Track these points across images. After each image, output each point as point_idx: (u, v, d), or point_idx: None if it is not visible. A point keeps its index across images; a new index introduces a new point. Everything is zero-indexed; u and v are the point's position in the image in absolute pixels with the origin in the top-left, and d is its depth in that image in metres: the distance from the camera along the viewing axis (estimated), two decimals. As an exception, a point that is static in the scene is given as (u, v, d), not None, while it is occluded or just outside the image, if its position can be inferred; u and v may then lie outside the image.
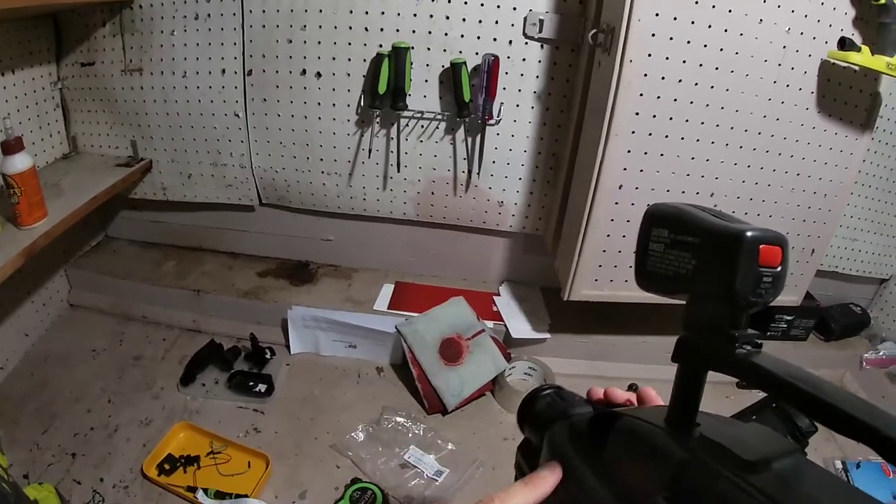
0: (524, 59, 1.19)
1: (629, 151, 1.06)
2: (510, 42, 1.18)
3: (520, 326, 1.30)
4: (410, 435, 1.15)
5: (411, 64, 1.19)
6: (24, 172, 1.01)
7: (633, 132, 1.05)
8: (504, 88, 1.20)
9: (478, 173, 1.28)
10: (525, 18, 1.16)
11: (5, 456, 0.78)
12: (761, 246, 0.30)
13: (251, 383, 1.22)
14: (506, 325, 1.30)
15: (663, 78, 1.03)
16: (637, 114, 1.04)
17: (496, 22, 1.17)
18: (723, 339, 0.30)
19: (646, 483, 0.30)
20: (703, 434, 0.32)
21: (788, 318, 1.42)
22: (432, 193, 1.34)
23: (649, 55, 1.00)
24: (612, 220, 1.10)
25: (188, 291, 1.40)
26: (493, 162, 1.28)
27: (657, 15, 0.98)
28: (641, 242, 0.30)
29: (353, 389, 1.26)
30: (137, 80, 1.31)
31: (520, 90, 1.21)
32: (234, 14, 1.21)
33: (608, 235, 1.10)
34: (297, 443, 1.12)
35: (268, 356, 1.29)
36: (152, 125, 1.36)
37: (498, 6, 1.16)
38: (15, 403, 1.16)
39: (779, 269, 0.31)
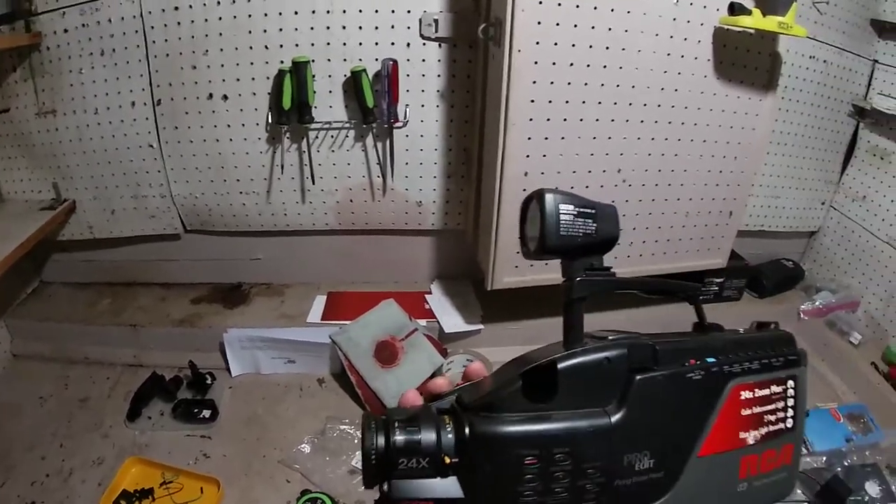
0: (424, 60, 1.21)
1: (529, 138, 1.08)
2: (408, 45, 1.19)
3: (452, 321, 1.33)
4: (356, 441, 1.16)
5: (313, 77, 1.20)
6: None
7: (531, 119, 1.07)
8: (407, 91, 1.21)
9: (392, 176, 1.29)
10: (420, 20, 1.18)
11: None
12: None
13: (195, 410, 1.23)
14: (438, 322, 1.32)
15: (554, 63, 1.05)
16: (532, 101, 1.06)
17: (392, 26, 1.18)
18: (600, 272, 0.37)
19: None
20: None
21: (718, 280, 1.46)
22: (351, 201, 1.35)
23: (537, 43, 1.02)
24: (522, 207, 1.11)
25: (125, 327, 1.40)
26: (406, 163, 1.29)
27: (541, 3, 1.00)
28: (550, 216, 0.35)
29: (296, 404, 1.27)
30: (52, 121, 1.30)
31: (423, 91, 1.23)
32: (138, 46, 1.21)
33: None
34: (246, 463, 1.13)
35: (209, 381, 1.29)
36: (71, 165, 1.35)
37: (392, 11, 1.17)
38: (-29, 460, 1.15)
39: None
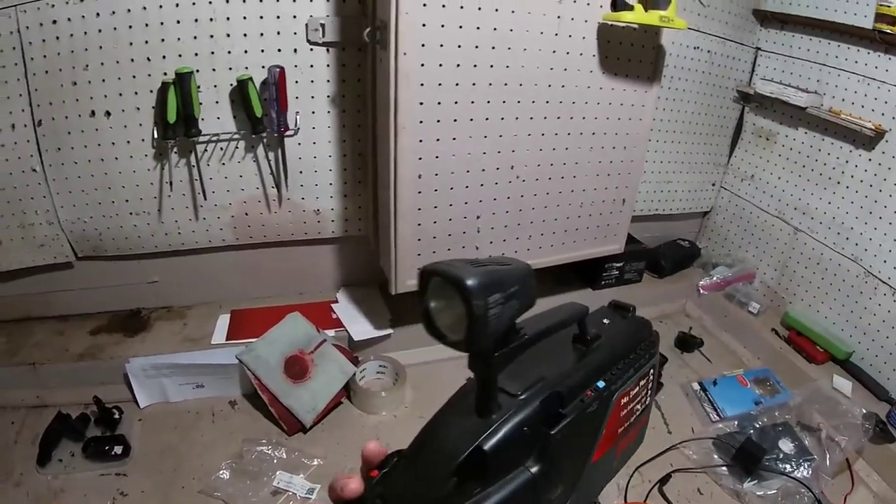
0: (312, 66, 1.18)
1: (421, 141, 1.08)
2: (295, 50, 1.16)
3: (360, 328, 1.32)
4: (276, 460, 1.14)
5: (198, 88, 1.15)
6: None
7: (421, 122, 1.07)
8: (297, 98, 1.18)
9: (286, 186, 1.26)
10: (306, 25, 1.15)
11: None
12: None
13: (106, 448, 1.18)
14: (347, 330, 1.31)
15: (441, 65, 1.05)
16: (421, 103, 1.06)
17: (278, 33, 1.15)
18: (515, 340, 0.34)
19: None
20: None
21: (618, 265, 1.52)
22: (246, 214, 1.32)
23: (423, 45, 1.02)
24: (420, 209, 1.12)
25: (24, 367, 1.31)
26: (301, 172, 1.27)
27: (425, 5, 1.00)
28: (480, 317, 0.30)
29: (210, 429, 1.23)
30: None
31: (313, 97, 1.20)
32: (16, 64, 1.12)
33: (419, 224, 1.13)
34: (165, 497, 1.09)
35: (116, 416, 1.23)
36: None
37: (278, 17, 1.14)
38: None
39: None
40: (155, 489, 1.11)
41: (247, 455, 1.14)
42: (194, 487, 1.10)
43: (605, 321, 0.46)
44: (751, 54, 1.60)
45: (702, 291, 1.63)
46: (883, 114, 1.31)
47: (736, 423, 1.25)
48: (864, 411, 1.22)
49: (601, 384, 0.40)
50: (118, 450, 1.17)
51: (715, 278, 1.63)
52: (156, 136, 1.18)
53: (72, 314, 1.45)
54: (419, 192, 1.10)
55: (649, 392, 0.46)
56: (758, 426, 1.22)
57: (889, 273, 1.32)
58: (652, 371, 0.46)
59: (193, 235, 1.33)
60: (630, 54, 1.23)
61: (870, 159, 1.35)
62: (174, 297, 1.45)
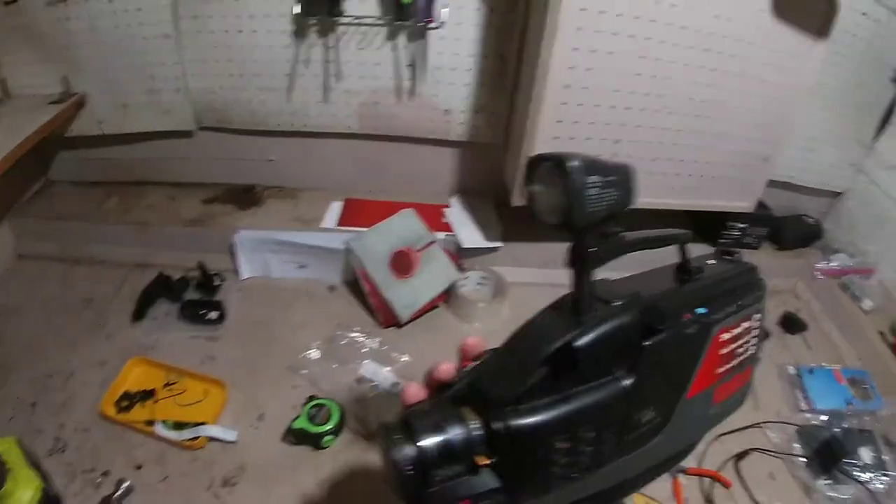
0: (466, -43, 1.13)
1: (575, 49, 1.02)
2: (450, -62, 1.11)
3: (471, 236, 1.29)
4: (365, 350, 1.14)
5: (347, -34, 1.12)
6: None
7: (580, 28, 1.01)
8: (446, -11, 1.14)
9: (422, 80, 1.23)
10: (470, -87, 1.10)
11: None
12: None
13: (202, 312, 1.20)
14: (456, 236, 1.29)
15: (612, -27, 0.99)
16: (583, 9, 1.00)
17: (436, -83, 1.10)
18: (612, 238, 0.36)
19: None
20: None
21: (742, 226, 1.43)
22: (376, 104, 1.29)
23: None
24: (560, 121, 1.07)
25: (133, 226, 1.36)
26: (438, 68, 1.23)
27: None
28: (577, 192, 0.32)
29: (305, 309, 1.24)
30: (63, 10, 1.21)
31: (464, -10, 1.15)
32: None
33: (555, 137, 1.08)
34: (252, 367, 1.11)
35: (217, 283, 1.26)
36: (82, 57, 1.28)
37: None
38: (-30, 364, 1.12)
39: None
40: (244, 358, 1.12)
41: (338, 340, 1.15)
42: (282, 363, 1.11)
43: (710, 262, 0.45)
44: (918, 35, 1.43)
45: (817, 274, 1.52)
46: None
47: (824, 417, 1.18)
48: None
49: (702, 310, 0.38)
50: (213, 315, 1.19)
51: (833, 264, 1.52)
52: (297, 11, 1.16)
53: (186, 182, 1.48)
54: (563, 104, 1.05)
55: (752, 343, 0.43)
56: (844, 426, 1.15)
57: None
58: (758, 318, 0.43)
59: (319, 118, 1.32)
60: (802, 2, 1.11)
61: None
62: (290, 178, 1.46)
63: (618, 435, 0.35)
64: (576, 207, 0.31)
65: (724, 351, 0.41)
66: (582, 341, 0.32)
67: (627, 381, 0.34)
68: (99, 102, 1.34)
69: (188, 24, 1.22)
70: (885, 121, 1.55)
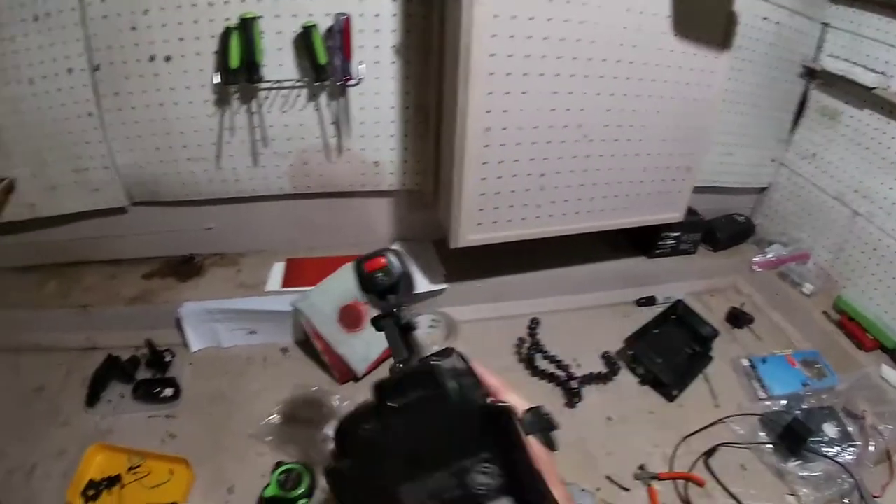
0: (377, 15, 1.16)
1: (490, 93, 1.06)
2: (361, -2, 1.14)
3: (417, 281, 1.28)
4: (325, 409, 1.14)
5: (261, 34, 1.13)
6: None
7: (492, 73, 1.05)
8: (361, 47, 1.16)
9: (348, 136, 1.25)
10: (374, -28, 1.13)
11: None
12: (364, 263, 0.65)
13: (157, 390, 1.19)
14: None
15: (514, 17, 1.03)
16: (493, 55, 1.04)
17: (345, -21, 1.13)
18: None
19: None
20: None
21: (675, 234, 1.49)
22: (305, 163, 1.30)
23: (497, -5, 1.00)
24: (485, 162, 1.10)
25: (75, 309, 1.32)
26: (362, 123, 1.25)
27: None
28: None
29: (260, 375, 1.23)
30: None
31: (377, 46, 1.18)
32: (73, 9, 1.11)
33: (483, 178, 1.11)
34: (215, 440, 1.09)
35: (168, 359, 1.25)
36: (9, 141, 1.24)
37: (347, -38, 1.12)
38: (-74, 465, 1.07)
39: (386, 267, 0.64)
40: (204, 432, 1.11)
41: (297, 402, 1.14)
42: (244, 432, 1.10)
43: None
44: (818, 29, 1.54)
45: (755, 268, 1.59)
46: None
47: (783, 402, 1.23)
48: (909, 402, 1.19)
49: None
50: (168, 392, 1.18)
51: (769, 256, 1.59)
52: (217, 81, 1.17)
53: (124, 259, 1.45)
54: (486, 146, 1.08)
55: None
56: (804, 407, 1.20)
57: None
58: None
59: (251, 183, 1.32)
60: (702, 18, 1.19)
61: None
62: (229, 244, 1.45)
63: None
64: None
65: None
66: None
67: None
68: (28, 186, 1.30)
69: (110, 101, 1.21)
70: (798, 114, 1.65)
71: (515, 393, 0.46)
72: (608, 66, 1.14)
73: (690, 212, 1.46)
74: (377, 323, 0.60)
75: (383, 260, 0.62)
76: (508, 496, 0.35)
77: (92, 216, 1.36)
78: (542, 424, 0.44)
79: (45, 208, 1.34)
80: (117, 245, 1.43)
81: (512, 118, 1.09)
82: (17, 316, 1.34)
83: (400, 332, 0.58)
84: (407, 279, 0.63)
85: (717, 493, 1.03)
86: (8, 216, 1.33)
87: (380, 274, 0.62)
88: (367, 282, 0.63)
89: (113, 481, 1.01)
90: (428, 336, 1.26)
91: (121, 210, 1.36)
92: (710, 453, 1.11)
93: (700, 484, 1.04)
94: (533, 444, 0.41)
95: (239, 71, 1.13)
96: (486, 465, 0.36)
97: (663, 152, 1.28)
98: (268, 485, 0.96)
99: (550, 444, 0.44)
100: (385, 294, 0.62)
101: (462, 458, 0.37)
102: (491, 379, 0.46)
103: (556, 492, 0.38)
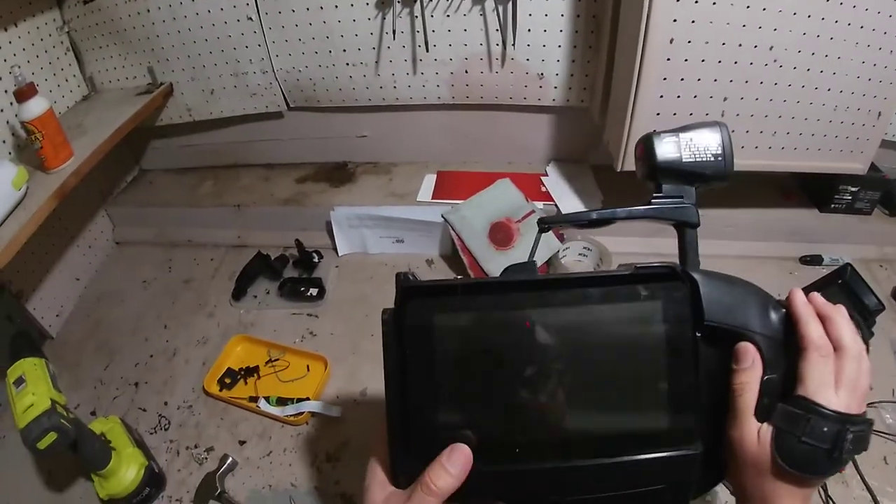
0: (555, -90, 1.07)
1: (678, 0, 0.97)
2: None
3: (571, 205, 1.25)
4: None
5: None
6: (42, 116, 0.98)
7: (681, -23, 0.96)
8: (531, -54, 1.08)
9: (513, 44, 1.18)
10: None
11: (62, 394, 0.79)
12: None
13: (302, 289, 1.22)
14: (556, 205, 1.25)
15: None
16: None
17: None
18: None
19: None
20: None
21: (853, 189, 1.34)
22: (466, 72, 1.26)
23: None
24: (665, 78, 1.02)
25: (229, 208, 1.39)
26: (529, 30, 1.18)
27: None
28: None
29: (405, 284, 1.26)
30: (143, 3, 1.24)
31: (552, -53, 1.10)
32: None
33: (661, 96, 1.03)
34: (353, 342, 1.11)
35: (315, 260, 1.28)
36: (166, 47, 1.30)
37: None
38: (75, 346, 1.18)
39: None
40: (344, 333, 1.13)
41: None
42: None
43: None
44: None
45: (936, 242, 1.42)
46: None
47: None
48: None
49: None
50: (313, 291, 1.20)
51: (955, 231, 1.41)
52: (381, -17, 1.14)
53: (278, 163, 1.50)
54: (668, 60, 1.00)
55: None
56: None
57: None
58: None
59: (409, 91, 1.30)
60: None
61: None
62: (381, 153, 1.45)
63: None
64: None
65: None
66: None
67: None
68: (186, 90, 1.37)
69: (270, 4, 1.22)
70: None
71: None
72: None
73: (873, 167, 1.30)
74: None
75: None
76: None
77: (248, 120, 1.41)
78: None
79: (202, 112, 1.40)
80: (272, 149, 1.47)
81: (699, 31, 0.99)
82: (171, 213, 1.43)
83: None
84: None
85: (854, 482, 0.94)
86: (166, 119, 1.42)
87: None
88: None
89: (250, 371, 1.05)
90: (578, 263, 1.22)
91: (278, 115, 1.39)
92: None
93: (839, 470, 0.95)
94: None
95: (404, -30, 1.09)
96: None
97: (857, 91, 1.13)
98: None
99: None
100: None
101: None
102: None
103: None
